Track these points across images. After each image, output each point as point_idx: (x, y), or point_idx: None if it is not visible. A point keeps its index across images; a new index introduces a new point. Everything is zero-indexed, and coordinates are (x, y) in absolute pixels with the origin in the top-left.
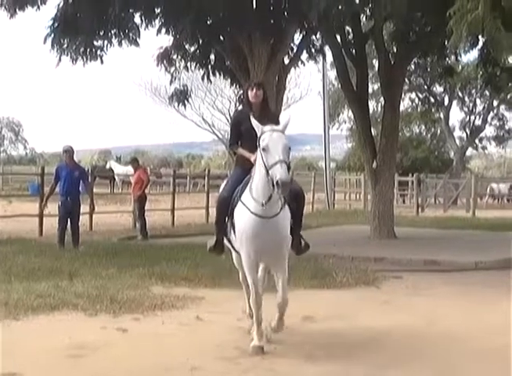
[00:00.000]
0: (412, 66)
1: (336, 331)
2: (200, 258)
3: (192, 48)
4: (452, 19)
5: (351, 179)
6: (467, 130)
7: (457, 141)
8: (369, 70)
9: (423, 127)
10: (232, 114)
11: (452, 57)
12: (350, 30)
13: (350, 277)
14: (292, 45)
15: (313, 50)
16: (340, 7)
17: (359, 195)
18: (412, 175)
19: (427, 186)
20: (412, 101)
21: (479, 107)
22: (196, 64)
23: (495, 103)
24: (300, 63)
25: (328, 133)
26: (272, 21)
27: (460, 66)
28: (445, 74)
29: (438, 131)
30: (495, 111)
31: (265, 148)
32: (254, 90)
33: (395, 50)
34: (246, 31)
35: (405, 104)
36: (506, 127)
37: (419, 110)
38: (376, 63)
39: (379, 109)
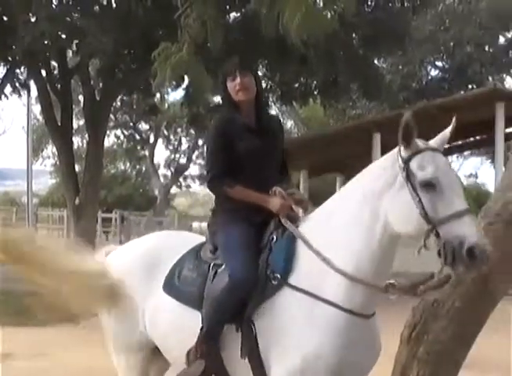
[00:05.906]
0: (119, 103)
1: (38, 369)
2: None
3: None
4: (156, 61)
5: (53, 215)
6: (172, 168)
7: (162, 179)
8: (75, 106)
9: (129, 164)
10: (212, 125)
11: (158, 95)
12: (56, 65)
13: (52, 315)
14: None
15: (17, 84)
16: (46, 42)
17: (63, 231)
18: (116, 212)
19: (130, 223)
20: (118, 138)
21: (184, 146)
22: None
23: (200, 142)
24: (3, 96)
25: (31, 168)
26: None
27: (167, 105)
28: (150, 112)
29: (143, 169)
30: (199, 150)
31: (434, 183)
32: (239, 78)
33: (101, 86)
34: None
35: (110, 141)
36: None
37: (124, 146)
38: (82, 98)
39: (84, 144)
